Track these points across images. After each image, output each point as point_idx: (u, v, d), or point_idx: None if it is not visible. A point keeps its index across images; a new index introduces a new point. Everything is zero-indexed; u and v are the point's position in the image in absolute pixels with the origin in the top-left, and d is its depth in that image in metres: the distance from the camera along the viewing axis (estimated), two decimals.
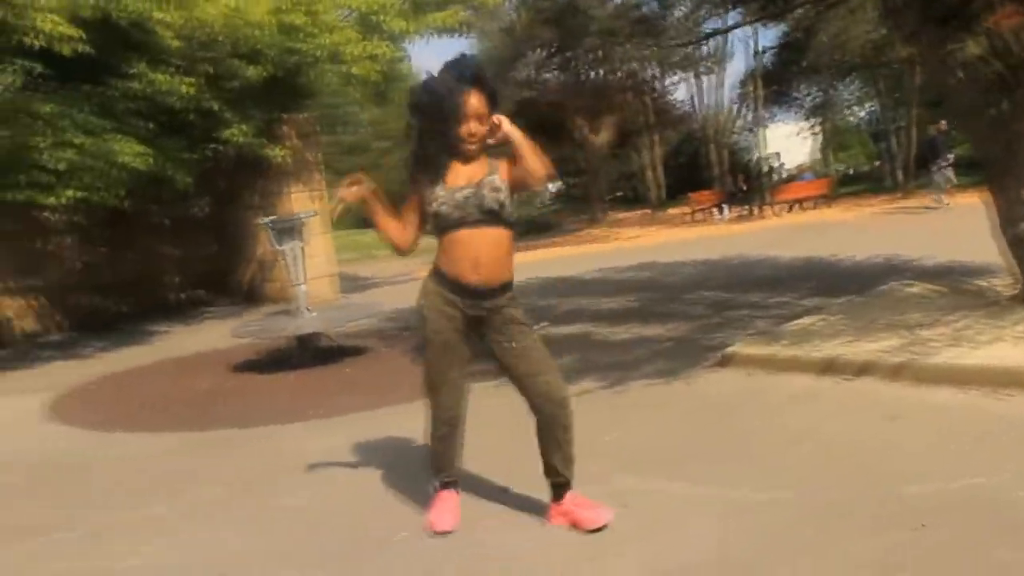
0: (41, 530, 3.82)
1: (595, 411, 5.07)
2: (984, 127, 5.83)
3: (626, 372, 5.86)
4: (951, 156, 17.84)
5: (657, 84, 30.57)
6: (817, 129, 32.23)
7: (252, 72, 9.62)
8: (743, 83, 29.41)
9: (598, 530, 3.13)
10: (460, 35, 13.71)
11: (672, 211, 28.11)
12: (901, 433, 4.04)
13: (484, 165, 3.16)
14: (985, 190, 6.20)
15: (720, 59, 27.87)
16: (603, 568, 2.92)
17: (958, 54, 5.78)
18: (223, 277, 12.79)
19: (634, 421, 4.78)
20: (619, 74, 26.60)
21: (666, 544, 3.05)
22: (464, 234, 3.10)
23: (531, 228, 25.84)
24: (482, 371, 3.43)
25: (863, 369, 4.96)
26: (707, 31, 9.51)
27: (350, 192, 3.24)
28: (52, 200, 8.38)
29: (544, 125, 28.07)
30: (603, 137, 26.66)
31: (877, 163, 33.35)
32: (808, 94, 29.72)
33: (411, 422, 4.72)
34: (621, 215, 29.31)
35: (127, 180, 8.67)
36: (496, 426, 4.19)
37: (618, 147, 31.58)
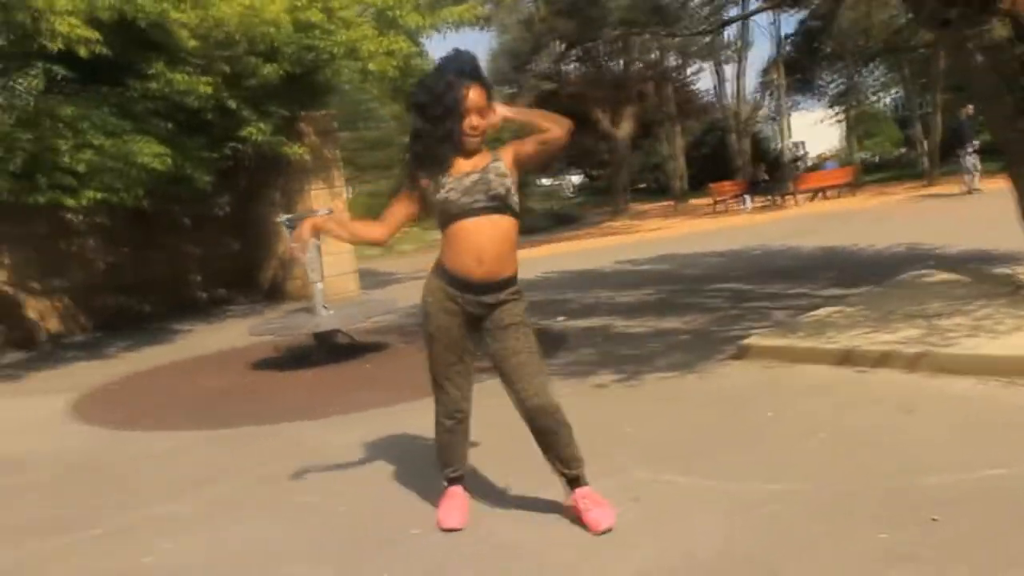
0: (61, 528, 3.87)
1: (611, 403, 5.08)
2: (1003, 112, 5.74)
3: (642, 365, 5.85)
4: (977, 142, 17.58)
5: (679, 74, 30.40)
6: (841, 117, 31.88)
7: (269, 70, 9.66)
8: (766, 71, 29.18)
9: (603, 532, 3.11)
10: (478, 29, 13.74)
11: (695, 202, 27.97)
12: (918, 424, 3.99)
13: (487, 156, 3.15)
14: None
15: (741, 48, 27.66)
16: (609, 562, 2.92)
17: (978, 38, 5.70)
18: (245, 275, 12.89)
19: (649, 413, 4.77)
20: (640, 64, 26.48)
21: (674, 538, 3.04)
22: (470, 224, 3.07)
23: (555, 221, 25.81)
24: (487, 367, 3.42)
25: (880, 360, 4.91)
26: (724, 19, 9.41)
27: (304, 232, 3.24)
28: (74, 202, 8.48)
29: (565, 117, 28.02)
30: (624, 129, 26.54)
31: (904, 150, 32.99)
32: (832, 81, 29.44)
33: (429, 418, 4.68)
34: (644, 207, 29.20)
35: (146, 180, 8.74)
36: (503, 423, 4.17)
37: (641, 138, 31.46)
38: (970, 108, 17.30)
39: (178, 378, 7.70)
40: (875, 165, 33.88)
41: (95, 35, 7.50)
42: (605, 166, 30.82)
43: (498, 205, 3.08)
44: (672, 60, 28.36)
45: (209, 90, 9.08)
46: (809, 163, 31.00)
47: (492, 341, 3.16)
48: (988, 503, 3.01)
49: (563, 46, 20.48)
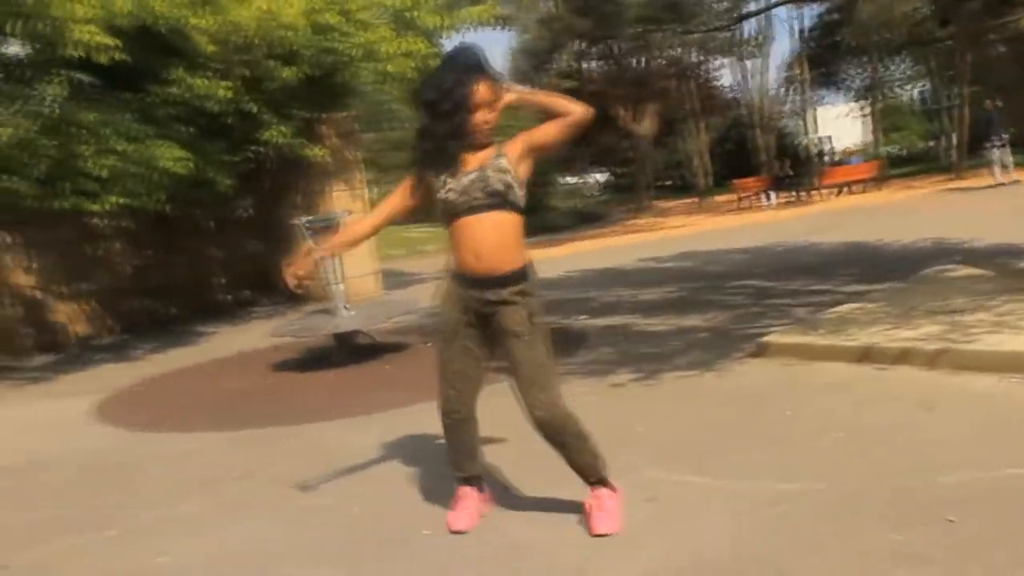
0: (80, 528, 3.92)
1: (627, 403, 5.07)
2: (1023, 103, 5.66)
3: (661, 363, 5.83)
4: (1006, 136, 17.33)
5: (701, 70, 30.23)
6: (867, 110, 31.56)
7: (288, 73, 9.71)
8: (789, 66, 28.93)
9: (601, 536, 3.09)
10: (497, 28, 13.75)
11: (719, 199, 27.78)
12: (936, 422, 3.95)
13: (492, 151, 3.12)
14: None
15: (762, 42, 27.43)
16: (617, 563, 2.91)
17: (1000, 30, 5.62)
18: (268, 277, 12.93)
19: (665, 412, 4.75)
20: (660, 61, 26.36)
21: (683, 538, 3.02)
22: (468, 221, 3.06)
23: (578, 219, 25.75)
24: (496, 367, 3.41)
25: (900, 357, 4.85)
26: (741, 14, 9.34)
27: (300, 267, 3.34)
28: (97, 207, 8.58)
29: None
30: (646, 126, 26.43)
31: (931, 143, 32.58)
32: (858, 74, 29.16)
33: None
34: (668, 204, 29.05)
35: (168, 185, 8.82)
36: (512, 423, 4.16)
37: (664, 135, 31.31)
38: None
39: (201, 380, 7.77)
40: (902, 159, 33.49)
41: (114, 42, 7.58)
42: (629, 164, 30.67)
43: (497, 202, 3.05)
44: (693, 56, 28.17)
45: (229, 94, 9.14)
46: (835, 158, 30.70)
47: (502, 348, 3.15)
48: (1005, 503, 2.97)
49: (583, 44, 20.45)
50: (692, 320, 7.32)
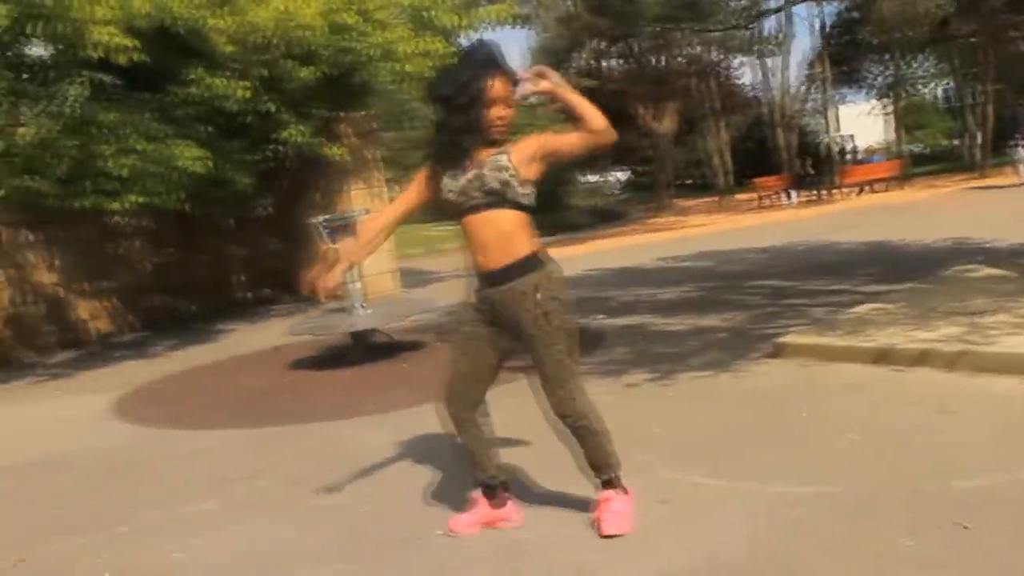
0: (93, 525, 3.95)
1: (642, 403, 5.04)
2: None
3: (677, 363, 5.81)
4: None
5: (721, 68, 30.08)
6: (889, 108, 31.29)
7: (305, 73, 9.73)
8: (810, 64, 28.71)
9: (610, 537, 3.08)
10: (515, 27, 13.71)
11: (740, 197, 27.65)
12: (954, 425, 3.91)
13: (496, 147, 3.07)
14: None
15: (782, 40, 27.23)
16: (630, 564, 2.89)
17: (1022, 26, 5.55)
18: (287, 275, 13.02)
19: (680, 413, 4.73)
20: (680, 59, 26.24)
21: (697, 540, 3.01)
22: (470, 220, 3.06)
23: (599, 218, 25.70)
24: (513, 366, 3.40)
25: (919, 359, 4.81)
26: (758, 11, 9.26)
27: (326, 279, 3.26)
28: (116, 206, 8.65)
29: (607, 114, 27.89)
30: (666, 124, 26.34)
31: (956, 141, 32.26)
32: (880, 72, 28.89)
33: None
34: (688, 203, 28.96)
35: (187, 184, 8.87)
36: (520, 423, 4.16)
37: (685, 134, 31.20)
38: None
39: (219, 377, 7.81)
40: (924, 157, 33.18)
41: (133, 43, 7.64)
42: (649, 162, 30.57)
43: (495, 200, 3.02)
44: (713, 55, 28.03)
45: (247, 94, 9.19)
46: (857, 156, 30.47)
47: (523, 343, 3.13)
48: (1021, 509, 2.93)
49: (602, 43, 20.40)
50: (709, 320, 7.29)
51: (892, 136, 34.11)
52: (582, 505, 3.32)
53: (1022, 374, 4.38)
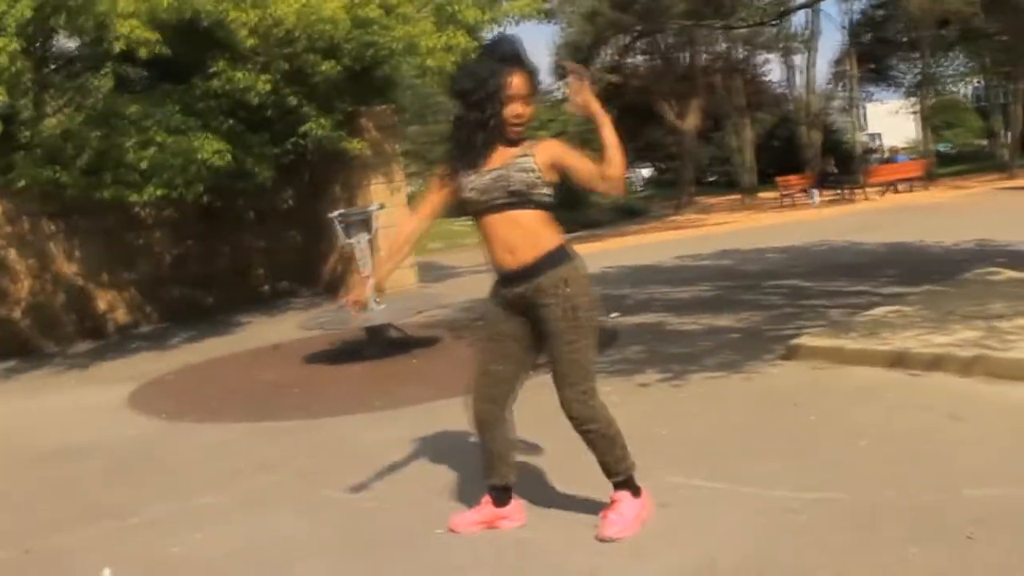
0: (98, 517, 3.99)
1: (652, 403, 5.01)
2: None
3: (689, 364, 5.76)
4: None
5: (748, 65, 29.86)
6: (918, 107, 30.92)
7: (327, 67, 9.75)
8: (838, 61, 28.41)
9: (606, 540, 3.05)
10: (540, 22, 13.67)
11: (763, 196, 27.42)
12: (966, 433, 3.84)
13: (519, 148, 3.05)
14: None
15: (809, 37, 26.94)
16: (628, 568, 2.88)
17: None
18: (307, 268, 13.07)
19: (689, 414, 4.69)
20: (706, 56, 26.07)
21: (697, 545, 2.97)
22: (492, 219, 3.03)
23: (621, 215, 25.58)
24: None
25: (933, 363, 4.74)
26: (782, 9, 9.17)
27: (358, 295, 3.38)
28: (136, 197, 8.72)
29: (632, 110, 27.81)
30: (690, 121, 26.17)
31: (986, 142, 31.84)
32: (909, 69, 28.54)
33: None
34: (712, 200, 28.75)
35: (207, 176, 8.93)
36: (524, 424, 4.13)
37: (711, 131, 31.00)
38: None
39: (233, 370, 7.85)
40: (952, 157, 32.76)
41: (155, 36, 7.69)
42: (674, 159, 30.43)
43: (518, 200, 3.00)
44: (740, 52, 27.81)
45: (268, 87, 9.23)
46: (886, 154, 30.14)
47: (543, 345, 3.10)
48: None
49: (627, 39, 20.29)
50: (724, 320, 7.23)
51: (920, 135, 33.73)
52: (587, 506, 3.30)
53: None
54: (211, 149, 8.56)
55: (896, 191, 22.06)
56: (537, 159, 3.02)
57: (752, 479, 3.50)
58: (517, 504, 3.34)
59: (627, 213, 26.39)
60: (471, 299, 9.09)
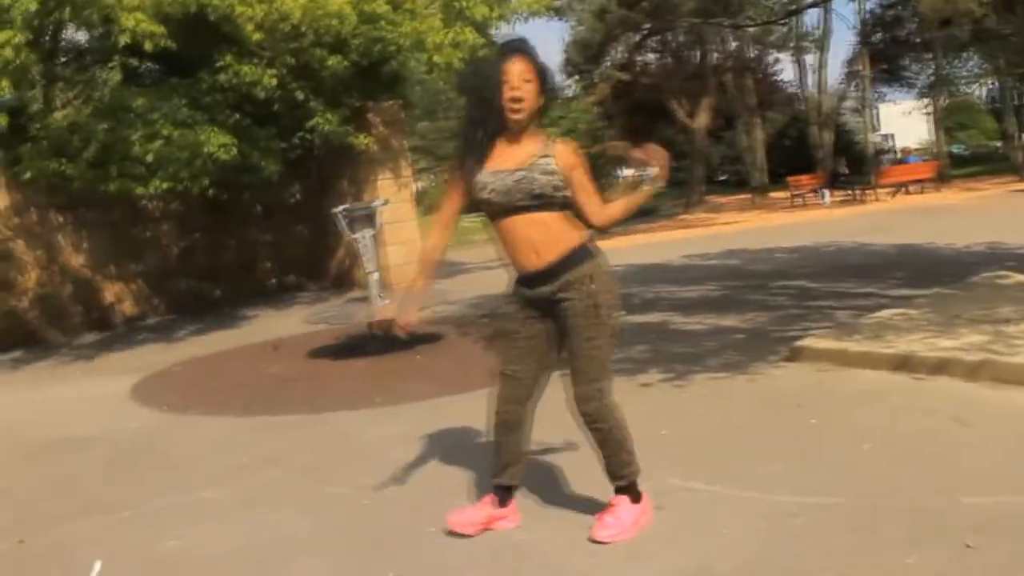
0: (97, 509, 3.98)
1: (653, 404, 4.97)
2: None
3: (692, 364, 5.73)
4: None
5: (759, 64, 29.72)
6: (931, 108, 30.74)
7: (334, 62, 9.74)
8: (850, 61, 28.24)
9: (597, 543, 3.02)
10: (549, 19, 13.61)
11: (774, 195, 27.30)
12: (971, 438, 3.80)
13: (536, 143, 3.01)
14: None
15: (821, 37, 26.80)
16: (623, 571, 2.85)
17: None
18: (314, 263, 13.09)
19: (690, 415, 4.66)
20: (717, 55, 25.95)
21: (693, 549, 2.95)
22: (514, 220, 2.99)
23: (632, 213, 25.47)
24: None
25: (938, 367, 4.69)
26: (791, 8, 9.10)
27: (406, 316, 3.32)
28: (142, 190, 8.73)
29: (643, 108, 27.72)
30: (701, 120, 26.06)
31: (999, 143, 31.63)
32: (924, 69, 28.34)
33: (476, 411, 4.70)
34: (722, 199, 28.62)
35: (212, 170, 8.93)
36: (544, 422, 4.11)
37: (723, 130, 30.86)
38: None
39: (237, 363, 7.85)
40: (966, 158, 32.55)
41: (160, 30, 7.68)
42: (685, 158, 30.33)
43: (542, 203, 2.97)
44: (751, 51, 27.67)
45: (274, 82, 9.22)
46: (898, 155, 29.97)
47: (563, 340, 3.07)
48: None
49: (638, 37, 20.22)
50: (730, 320, 7.19)
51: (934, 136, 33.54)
52: (586, 508, 3.28)
53: None
54: (217, 143, 8.56)
55: (907, 192, 21.93)
56: (559, 162, 2.99)
57: (753, 481, 3.47)
58: (514, 504, 3.31)
59: (637, 212, 26.28)
60: (479, 295, 9.07)
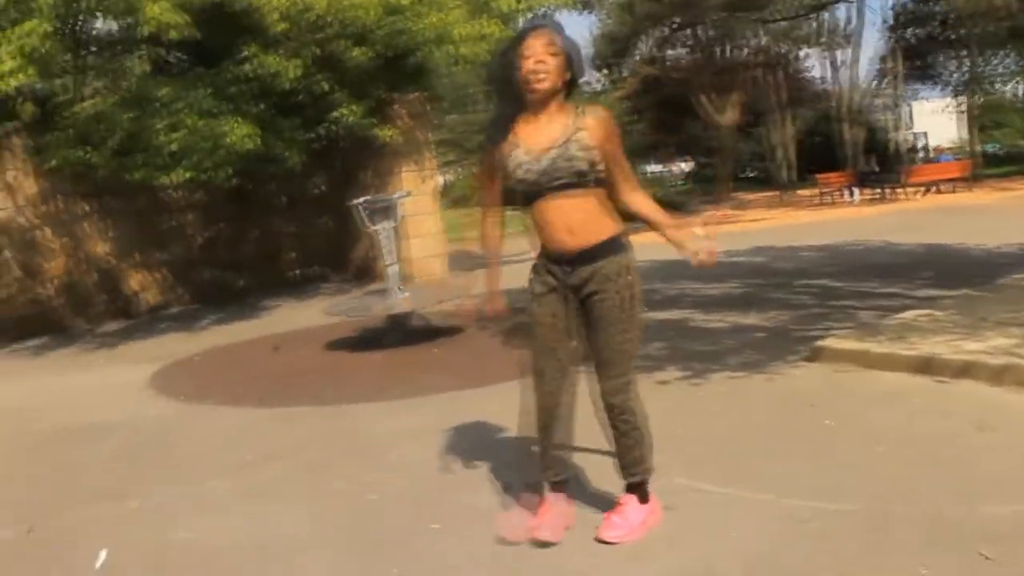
0: (107, 498, 3.99)
1: (669, 402, 4.90)
2: None
3: (711, 362, 5.65)
4: None
5: (789, 60, 29.37)
6: (964, 106, 30.24)
7: (358, 53, 9.72)
8: (882, 58, 27.84)
9: (604, 543, 2.98)
10: (576, 13, 13.54)
11: (802, 193, 27.00)
12: (990, 444, 3.70)
13: (566, 117, 2.92)
14: None
15: (851, 33, 26.39)
16: (625, 571, 2.80)
17: None
18: (337, 254, 13.11)
19: (706, 414, 4.60)
20: (746, 50, 25.68)
21: (698, 551, 2.89)
22: (551, 200, 2.91)
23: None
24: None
25: (962, 371, 4.59)
26: (819, 2, 8.95)
27: (495, 307, 3.28)
28: (165, 179, 8.77)
29: (671, 103, 27.51)
30: (729, 116, 25.80)
31: None
32: (958, 67, 27.89)
33: (493, 405, 4.70)
34: (750, 196, 28.35)
35: (235, 160, 8.95)
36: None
37: (752, 126, 30.53)
38: None
39: (256, 354, 7.86)
40: (1000, 158, 32.00)
41: (184, 19, 7.71)
42: (714, 153, 30.03)
43: (580, 180, 2.89)
44: (781, 46, 27.34)
45: (298, 72, 9.22)
46: (929, 155, 29.55)
47: (590, 332, 3.02)
48: None
49: (666, 31, 20.05)
50: (751, 318, 7.10)
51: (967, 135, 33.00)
52: (588, 506, 3.24)
53: None
54: (240, 133, 8.57)
55: (939, 191, 21.60)
56: (592, 137, 2.89)
57: (764, 482, 3.41)
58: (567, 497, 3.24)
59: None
60: (501, 289, 9.01)
